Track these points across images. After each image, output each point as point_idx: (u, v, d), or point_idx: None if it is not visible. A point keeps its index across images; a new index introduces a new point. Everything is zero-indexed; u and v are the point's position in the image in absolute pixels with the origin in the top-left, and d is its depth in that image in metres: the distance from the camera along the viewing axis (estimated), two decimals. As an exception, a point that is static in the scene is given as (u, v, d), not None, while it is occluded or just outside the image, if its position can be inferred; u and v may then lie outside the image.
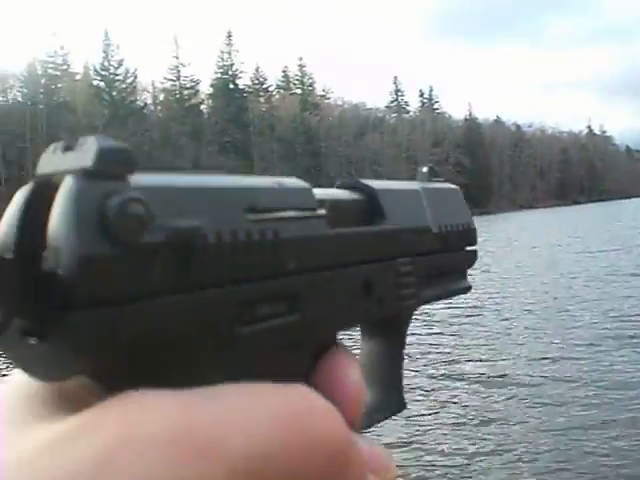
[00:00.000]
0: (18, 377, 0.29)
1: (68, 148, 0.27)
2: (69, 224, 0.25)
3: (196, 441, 0.24)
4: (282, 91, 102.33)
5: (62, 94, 73.96)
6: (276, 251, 0.31)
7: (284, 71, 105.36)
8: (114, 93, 78.18)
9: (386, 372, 0.45)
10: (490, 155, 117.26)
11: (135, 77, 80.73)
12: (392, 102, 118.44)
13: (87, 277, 0.25)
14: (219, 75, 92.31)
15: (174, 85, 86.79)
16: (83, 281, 0.25)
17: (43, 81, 73.76)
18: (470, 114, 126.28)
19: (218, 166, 74.87)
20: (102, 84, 78.38)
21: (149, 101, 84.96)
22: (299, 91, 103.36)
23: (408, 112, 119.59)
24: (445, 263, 0.48)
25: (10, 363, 0.28)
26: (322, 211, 0.35)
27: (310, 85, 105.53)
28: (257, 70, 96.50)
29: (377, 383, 0.44)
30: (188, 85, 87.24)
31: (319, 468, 0.27)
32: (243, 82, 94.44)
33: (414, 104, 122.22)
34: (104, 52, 79.18)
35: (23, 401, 0.29)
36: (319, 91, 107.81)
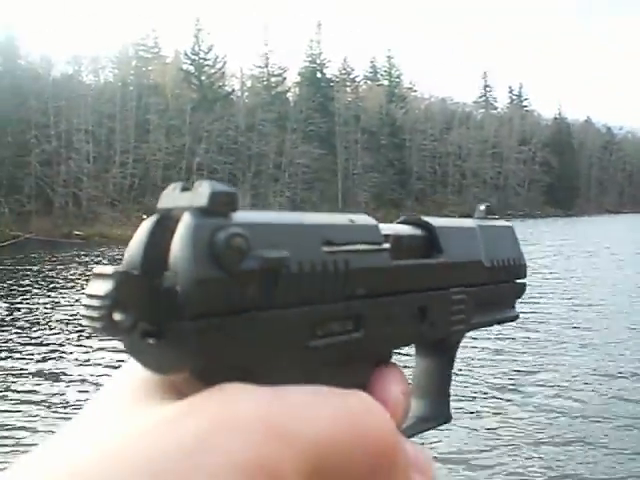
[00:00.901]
0: (131, 367, 0.37)
1: (185, 189, 0.34)
2: (187, 251, 0.32)
3: (277, 428, 0.31)
4: (369, 82, 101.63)
5: (152, 77, 74.81)
6: (346, 279, 0.37)
7: (372, 62, 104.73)
8: (203, 78, 78.75)
9: (435, 388, 0.50)
10: (578, 156, 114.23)
11: (224, 63, 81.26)
12: (480, 97, 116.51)
13: (198, 294, 0.32)
14: (307, 64, 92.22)
15: (262, 72, 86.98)
16: (195, 297, 0.32)
17: (134, 63, 74.82)
18: (560, 113, 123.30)
19: (305, 164, 74.72)
20: (192, 68, 79.07)
21: (237, 87, 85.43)
22: (386, 83, 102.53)
23: (496, 108, 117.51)
24: (494, 294, 0.53)
25: (128, 356, 0.35)
26: (386, 245, 0.41)
27: (397, 77, 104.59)
28: (345, 60, 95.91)
29: (427, 397, 0.50)
30: (276, 72, 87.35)
31: (371, 460, 0.33)
32: (330, 72, 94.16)
33: (502, 100, 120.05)
34: (195, 37, 79.95)
35: (137, 386, 0.35)
36: (406, 83, 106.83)
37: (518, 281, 0.56)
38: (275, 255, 0.33)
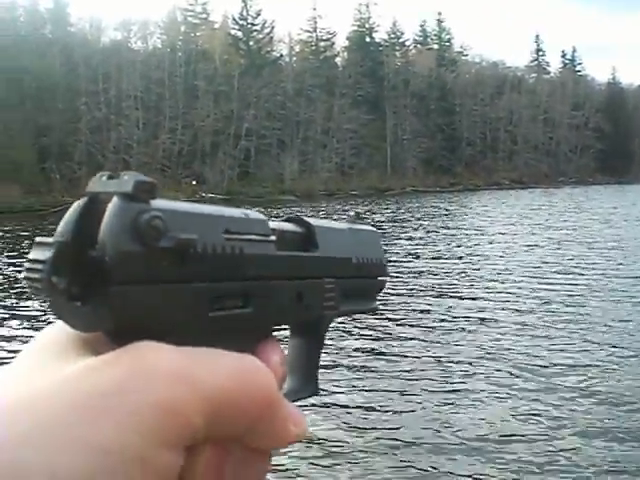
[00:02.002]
0: (55, 327, 0.43)
1: (111, 177, 0.40)
2: (115, 228, 0.37)
3: (184, 376, 0.37)
4: (419, 46, 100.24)
5: (200, 42, 74.72)
6: (239, 262, 0.44)
7: (422, 26, 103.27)
8: (251, 43, 78.45)
9: (306, 363, 0.57)
10: (632, 122, 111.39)
11: (272, 28, 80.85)
12: (532, 62, 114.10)
13: (122, 264, 0.37)
14: (355, 28, 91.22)
15: (310, 37, 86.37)
16: (119, 267, 0.37)
17: (182, 29, 74.79)
18: (614, 78, 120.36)
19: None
20: (240, 34, 78.81)
21: (285, 52, 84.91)
22: (436, 47, 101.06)
23: (548, 73, 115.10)
24: (359, 287, 0.61)
25: (55, 317, 0.40)
26: (273, 237, 0.48)
27: (448, 41, 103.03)
28: (394, 24, 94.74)
29: (298, 372, 0.57)
30: (324, 37, 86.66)
31: (257, 409, 0.40)
32: (379, 36, 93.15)
33: (555, 65, 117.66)
34: (243, 2, 79.48)
35: (59, 343, 0.41)
36: (457, 47, 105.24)
37: (379, 278, 0.64)
38: (186, 236, 0.40)
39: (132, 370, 0.36)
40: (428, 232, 26.10)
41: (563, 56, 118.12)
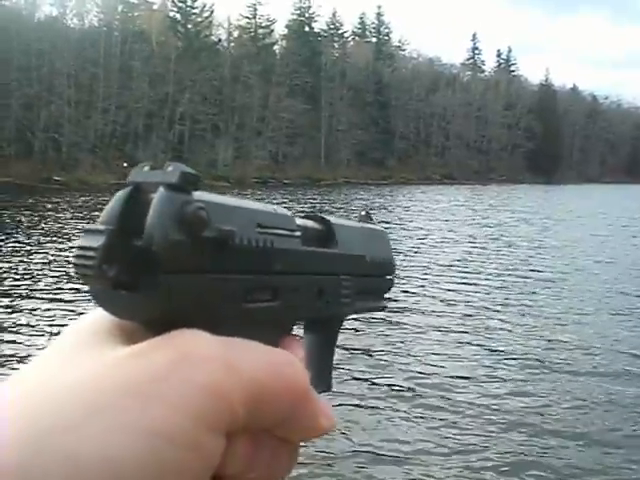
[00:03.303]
0: (90, 316, 0.44)
1: (154, 168, 0.41)
2: (163, 218, 0.38)
3: (229, 363, 0.38)
4: (357, 38, 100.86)
5: (138, 23, 73.77)
6: (270, 256, 0.45)
7: (361, 18, 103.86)
8: (189, 26, 77.74)
9: (322, 359, 0.58)
10: (562, 124, 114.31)
11: (211, 12, 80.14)
12: (468, 60, 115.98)
13: (170, 254, 0.38)
14: (295, 17, 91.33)
15: (249, 23, 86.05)
16: (167, 256, 0.38)
17: (120, 8, 73.65)
18: (546, 80, 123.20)
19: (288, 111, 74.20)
20: (178, 16, 78.01)
21: (223, 37, 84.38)
22: (374, 40, 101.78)
23: (483, 71, 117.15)
24: (372, 285, 0.62)
25: (94, 306, 0.41)
26: (298, 233, 0.49)
27: (386, 35, 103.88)
28: (334, 15, 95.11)
29: (314, 366, 0.56)
30: (263, 24, 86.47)
31: (291, 400, 0.42)
32: (318, 26, 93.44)
33: (490, 64, 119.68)
34: (183, -16, 78.70)
35: (98, 331, 0.42)
36: (395, 42, 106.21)
37: (388, 277, 0.65)
38: (227, 228, 0.40)
39: (179, 356, 0.37)
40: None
41: (498, 55, 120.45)
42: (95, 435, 0.35)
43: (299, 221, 0.52)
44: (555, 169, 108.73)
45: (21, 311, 10.92)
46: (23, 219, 25.40)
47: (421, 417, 6.53)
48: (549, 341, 9.31)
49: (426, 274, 15.14)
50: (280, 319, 0.48)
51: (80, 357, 0.39)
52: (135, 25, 72.72)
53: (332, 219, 0.57)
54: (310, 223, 0.55)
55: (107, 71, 64.88)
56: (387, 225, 26.82)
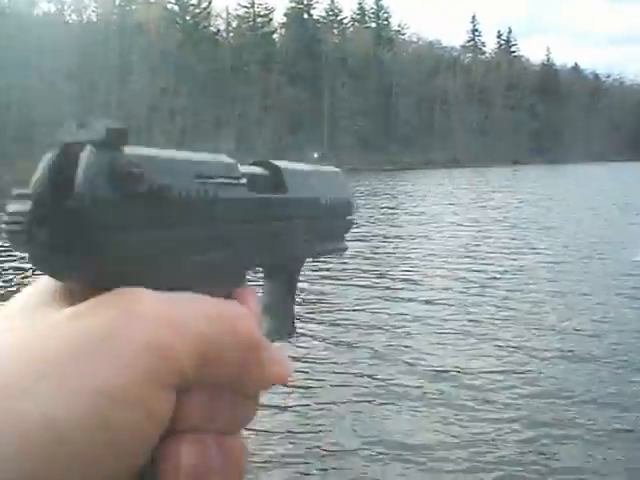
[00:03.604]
0: (39, 281, 0.43)
1: (81, 126, 0.39)
2: (92, 176, 0.37)
3: (172, 320, 0.38)
4: (356, 24, 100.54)
5: (136, 16, 73.72)
6: (213, 206, 0.45)
7: (360, 3, 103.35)
8: (188, 18, 77.77)
9: (283, 305, 0.59)
10: (565, 103, 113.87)
11: (210, 2, 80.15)
12: (468, 42, 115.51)
13: (101, 212, 0.37)
14: (293, 4, 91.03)
15: (248, 12, 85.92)
16: (98, 215, 0.37)
17: (118, 2, 73.62)
18: (548, 59, 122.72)
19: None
20: (176, 8, 78.00)
21: (222, 27, 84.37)
22: (374, 25, 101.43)
23: (484, 53, 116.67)
24: (329, 227, 0.62)
25: (36, 269, 0.41)
26: (244, 180, 0.48)
27: (386, 20, 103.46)
28: (332, 1, 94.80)
29: (275, 313, 0.58)
30: (262, 13, 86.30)
31: (243, 351, 0.42)
32: (317, 13, 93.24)
33: (491, 45, 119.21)
34: (180, -25, 78.54)
35: (43, 293, 0.41)
36: (394, 26, 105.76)
37: (347, 217, 0.65)
38: (161, 182, 0.40)
39: (120, 314, 0.37)
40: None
41: (499, 37, 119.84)
42: (40, 397, 0.34)
43: (244, 168, 0.51)
44: (559, 149, 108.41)
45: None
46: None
47: (430, 410, 6.39)
48: (556, 330, 9.08)
49: (431, 260, 15.08)
50: (230, 269, 0.48)
51: (26, 320, 0.39)
52: (133, 19, 72.69)
53: (280, 163, 0.56)
54: (257, 170, 0.54)
55: (107, 65, 64.90)
56: (391, 211, 26.87)
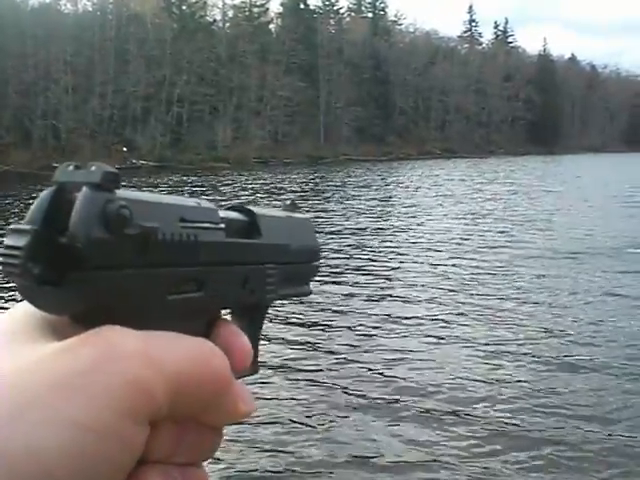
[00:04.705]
0: (15, 311, 0.46)
1: (78, 167, 0.43)
2: (86, 216, 0.40)
3: (151, 358, 0.41)
4: (353, 14, 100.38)
5: (132, 5, 73.46)
6: (194, 249, 0.47)
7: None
8: (184, 7, 77.45)
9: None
10: (562, 94, 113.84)
11: (206, -8, 79.76)
12: (465, 32, 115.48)
13: (93, 251, 0.40)
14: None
15: (244, 2, 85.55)
16: (90, 253, 0.40)
17: (113, -9, 73.34)
18: (545, 50, 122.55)
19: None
20: (172, -3, 77.67)
21: (218, 17, 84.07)
22: (370, 15, 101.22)
23: (481, 44, 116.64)
24: (296, 271, 0.65)
25: (20, 300, 0.43)
26: (222, 225, 0.51)
27: (382, 9, 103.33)
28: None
29: None
30: (258, 2, 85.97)
31: (213, 389, 0.45)
32: (314, 2, 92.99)
33: (487, 36, 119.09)
34: (176, -35, 78.24)
35: (24, 326, 0.44)
36: (391, 16, 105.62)
37: (313, 263, 0.68)
38: (149, 224, 0.42)
39: (102, 352, 0.40)
40: (342, 203, 26.63)
41: (495, 27, 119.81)
42: (24, 429, 0.36)
43: (223, 213, 0.54)
44: (555, 140, 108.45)
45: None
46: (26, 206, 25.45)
47: (426, 416, 6.32)
48: (548, 329, 8.94)
49: (425, 254, 15.11)
50: (205, 309, 0.51)
51: (12, 351, 0.41)
52: (129, 8, 72.41)
53: (256, 209, 0.59)
54: (234, 215, 0.57)
55: (103, 55, 64.75)
56: (386, 202, 26.88)
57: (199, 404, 0.45)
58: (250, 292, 0.56)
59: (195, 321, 0.49)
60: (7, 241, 0.41)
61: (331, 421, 6.21)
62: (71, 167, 0.43)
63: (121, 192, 0.42)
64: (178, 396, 0.42)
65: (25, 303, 0.44)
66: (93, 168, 0.42)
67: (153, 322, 0.44)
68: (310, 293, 0.69)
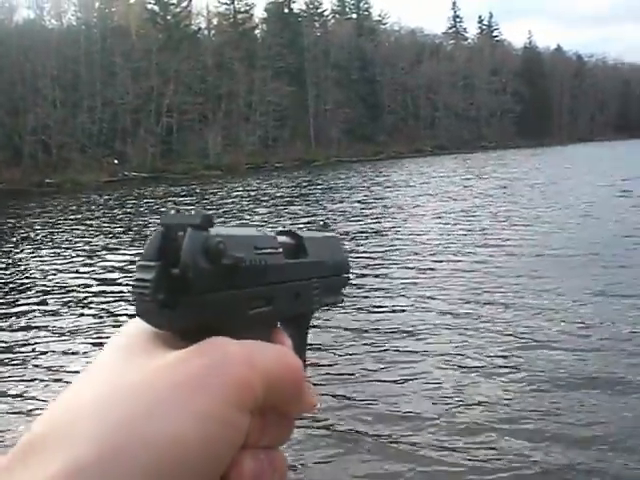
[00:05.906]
0: (128, 328, 0.56)
1: (178, 212, 0.54)
2: (193, 251, 0.50)
3: (252, 362, 0.50)
4: (337, 16, 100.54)
5: (116, 18, 73.63)
6: (265, 271, 0.57)
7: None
8: (168, 17, 77.55)
9: (299, 351, 0.65)
10: (549, 85, 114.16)
11: (190, 1, 79.90)
12: (450, 28, 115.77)
13: (199, 278, 0.50)
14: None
15: (228, 9, 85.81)
16: (198, 280, 0.50)
17: (97, 5, 73.38)
18: (530, 42, 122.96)
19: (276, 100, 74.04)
20: (156, 8, 77.77)
21: (203, 25, 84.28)
22: (355, 16, 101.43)
23: (466, 39, 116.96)
24: (333, 284, 0.73)
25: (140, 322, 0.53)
26: (280, 249, 0.61)
27: (366, 10, 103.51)
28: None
29: None
30: (242, 9, 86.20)
31: (294, 386, 0.54)
32: (297, 7, 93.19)
33: (472, 31, 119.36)
34: (159, -25, 78.34)
35: (141, 340, 0.53)
36: (375, 16, 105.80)
37: (345, 275, 0.77)
38: (238, 255, 0.52)
39: (217, 358, 0.49)
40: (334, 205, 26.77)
41: (480, 22, 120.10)
42: (165, 422, 0.45)
43: (279, 239, 0.63)
44: (545, 131, 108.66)
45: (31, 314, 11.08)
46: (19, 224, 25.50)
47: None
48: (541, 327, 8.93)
49: (416, 254, 15.27)
50: (272, 319, 0.60)
51: (136, 361, 0.51)
52: (113, 20, 72.58)
53: (302, 233, 0.69)
54: (285, 239, 0.66)
55: (89, 69, 64.82)
56: (380, 202, 26.95)
57: (282, 397, 0.53)
58: (301, 303, 0.65)
59: (265, 331, 0.58)
60: (137, 275, 0.52)
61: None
62: (173, 212, 0.54)
63: (215, 229, 0.52)
64: (269, 391, 0.51)
65: (134, 322, 0.54)
66: (194, 212, 0.52)
67: (240, 333, 0.53)
68: (343, 301, 0.78)
